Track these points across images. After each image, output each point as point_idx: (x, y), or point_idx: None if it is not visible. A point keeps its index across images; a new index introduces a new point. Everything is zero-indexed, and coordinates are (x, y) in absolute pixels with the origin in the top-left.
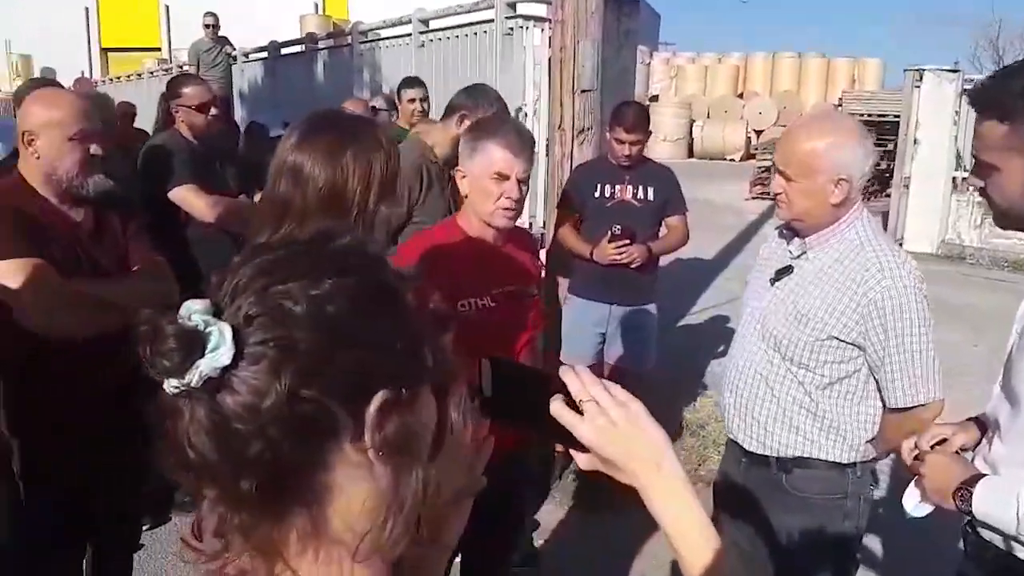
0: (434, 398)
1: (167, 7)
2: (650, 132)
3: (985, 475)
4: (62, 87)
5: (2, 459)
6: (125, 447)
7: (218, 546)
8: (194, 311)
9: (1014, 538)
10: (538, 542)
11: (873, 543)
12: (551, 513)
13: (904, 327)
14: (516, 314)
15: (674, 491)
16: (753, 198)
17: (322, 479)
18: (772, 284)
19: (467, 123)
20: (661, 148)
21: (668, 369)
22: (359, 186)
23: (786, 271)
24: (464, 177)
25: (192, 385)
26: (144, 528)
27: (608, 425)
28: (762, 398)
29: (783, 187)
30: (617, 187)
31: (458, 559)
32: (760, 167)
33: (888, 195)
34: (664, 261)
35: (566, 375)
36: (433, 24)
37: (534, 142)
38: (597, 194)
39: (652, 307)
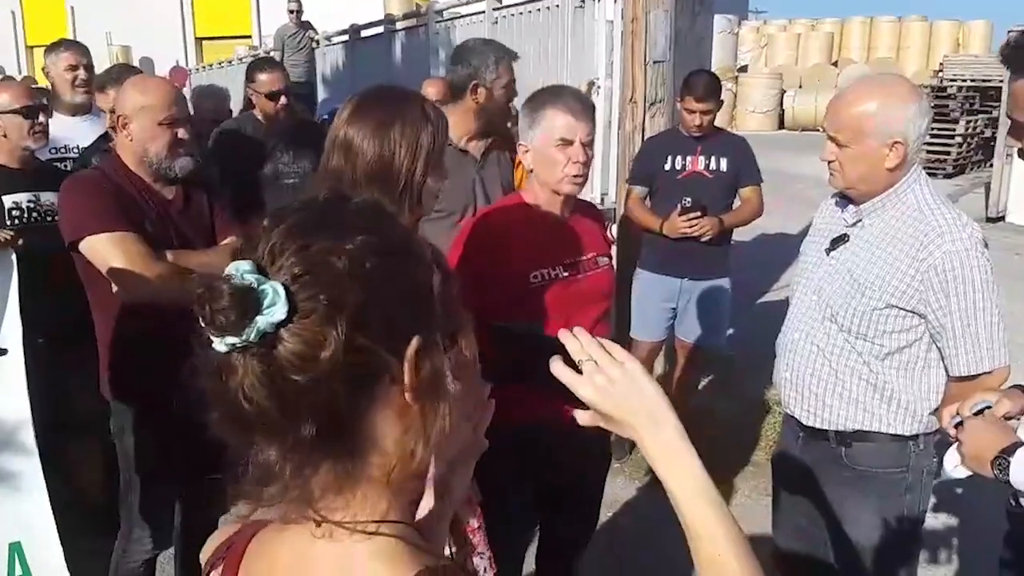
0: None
1: None
2: (722, 101)
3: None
4: (141, 72)
5: (100, 421)
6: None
7: (273, 492)
8: (244, 270)
9: None
10: (606, 515)
11: (936, 521)
12: (622, 487)
13: (967, 291)
14: (589, 284)
15: (672, 446)
16: None
17: (367, 420)
18: (828, 254)
19: (481, 90)
20: (750, 120)
21: (749, 345)
22: (406, 159)
23: (841, 240)
24: (527, 151)
25: (250, 340)
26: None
27: (607, 383)
28: (819, 370)
29: (835, 154)
30: (688, 158)
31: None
32: None
33: (992, 165)
34: (749, 235)
35: (564, 337)
36: (507, 0)
37: (593, 106)
38: (668, 166)
39: (726, 281)
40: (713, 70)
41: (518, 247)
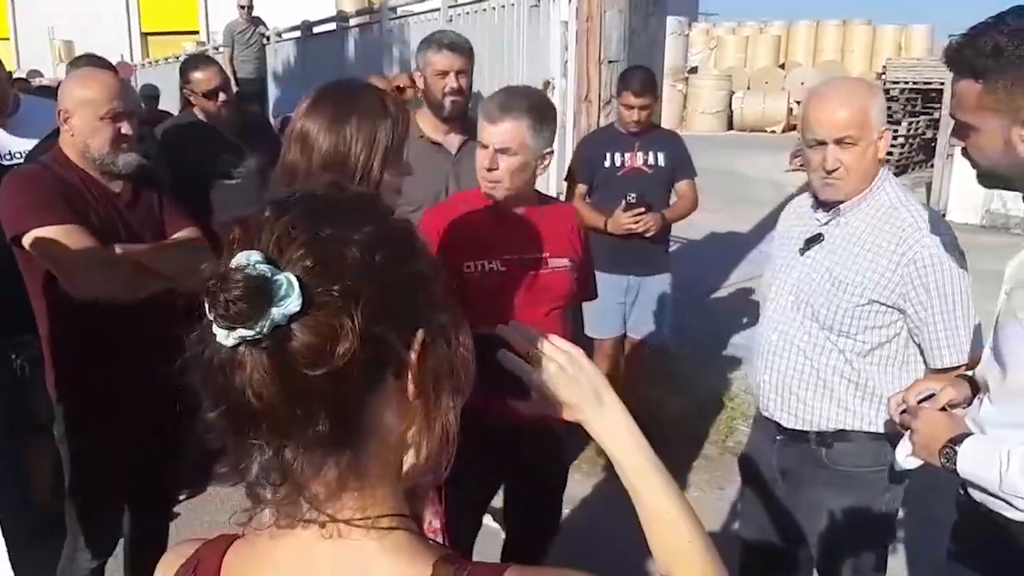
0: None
1: None
2: (658, 97)
3: (972, 434)
4: (110, 65)
5: (46, 423)
6: (164, 412)
7: (284, 492)
8: (256, 261)
9: (998, 497)
10: (564, 511)
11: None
12: (578, 484)
13: (945, 284)
14: (534, 283)
15: (615, 420)
16: (793, 170)
17: (375, 415)
18: (802, 254)
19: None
20: (700, 120)
21: (700, 341)
22: (362, 153)
23: (816, 239)
24: None
25: (263, 333)
26: (181, 498)
27: (557, 370)
28: (801, 371)
29: (841, 159)
30: (627, 154)
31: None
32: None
33: (933, 165)
34: (699, 234)
35: (505, 331)
36: None
37: (527, 112)
38: (607, 163)
39: (667, 277)
40: (664, 71)
41: (457, 237)
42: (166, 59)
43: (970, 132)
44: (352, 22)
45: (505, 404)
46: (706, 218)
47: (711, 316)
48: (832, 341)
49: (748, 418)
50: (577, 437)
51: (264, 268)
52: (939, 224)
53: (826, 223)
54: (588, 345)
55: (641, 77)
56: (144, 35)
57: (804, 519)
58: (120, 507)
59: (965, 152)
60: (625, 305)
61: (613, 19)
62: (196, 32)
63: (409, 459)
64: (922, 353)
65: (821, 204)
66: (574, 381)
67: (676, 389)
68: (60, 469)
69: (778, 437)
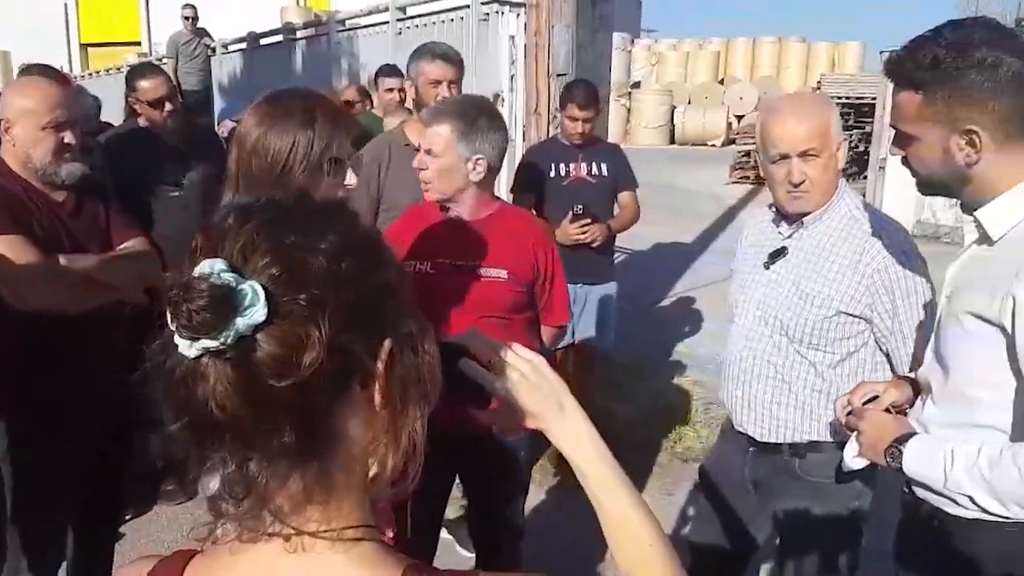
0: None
1: (147, 0)
2: (600, 109)
3: (916, 434)
4: (60, 74)
5: None
6: (112, 424)
7: (248, 506)
8: (220, 269)
9: (942, 495)
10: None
11: None
12: (533, 492)
13: (911, 292)
14: (462, 289)
15: (576, 427)
16: (733, 182)
17: (340, 426)
18: (767, 268)
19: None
20: (643, 135)
21: (645, 350)
22: (279, 157)
23: (780, 253)
24: None
25: (227, 344)
26: (127, 518)
27: (520, 378)
28: (773, 385)
29: (805, 172)
30: (572, 165)
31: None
32: (740, 151)
33: (866, 177)
34: (644, 245)
35: (468, 340)
36: (410, 11)
37: (456, 113)
38: (552, 173)
39: (613, 286)
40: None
41: (404, 239)
42: (107, 71)
43: (910, 142)
44: (299, 34)
45: (465, 413)
46: (650, 230)
47: (655, 325)
48: (802, 354)
49: (695, 424)
50: (532, 448)
51: (229, 277)
52: (899, 233)
53: (789, 236)
54: (550, 357)
55: (585, 90)
56: (84, 46)
57: (777, 529)
58: (64, 526)
59: (905, 161)
60: (573, 315)
61: (561, 34)
62: (138, 43)
63: (375, 469)
64: (889, 360)
65: (784, 217)
66: (536, 389)
67: (622, 397)
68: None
69: (751, 449)
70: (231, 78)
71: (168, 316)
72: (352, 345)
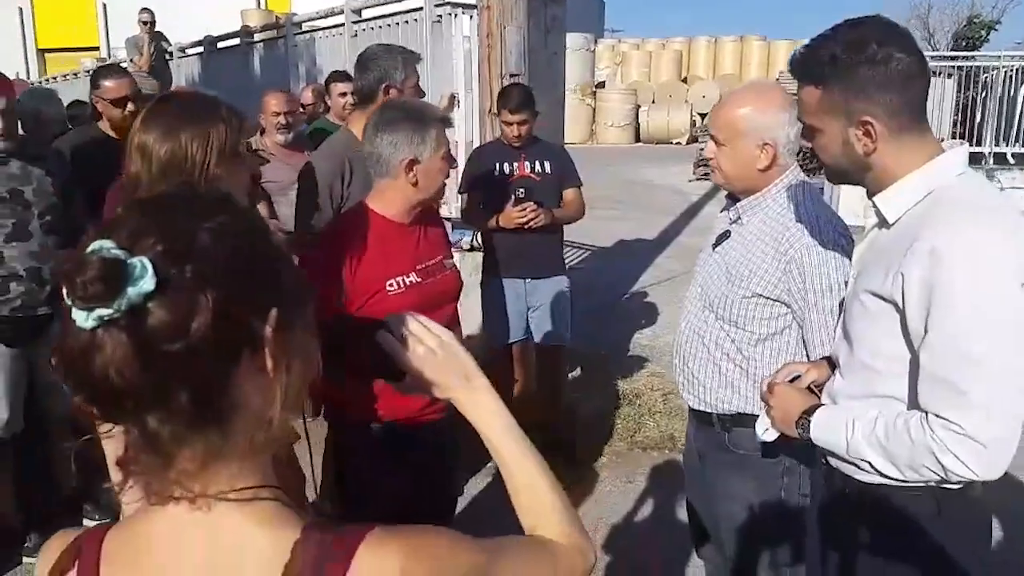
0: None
1: (104, 5)
2: (536, 112)
3: (823, 405)
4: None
5: None
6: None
7: (154, 464)
8: (109, 247)
9: (848, 461)
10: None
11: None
12: (475, 485)
13: (821, 280)
14: (440, 287)
15: (484, 400)
16: (696, 179)
17: (235, 390)
18: (713, 250)
19: (393, 91)
20: (609, 133)
21: (607, 342)
22: (198, 153)
23: (724, 236)
24: (415, 164)
25: (120, 311)
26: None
27: (427, 352)
28: (697, 355)
29: (714, 152)
30: (515, 164)
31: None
32: (703, 149)
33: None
34: (608, 241)
35: (390, 319)
36: (365, 14)
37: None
38: (497, 172)
39: (564, 279)
40: (572, 86)
41: (372, 257)
42: (64, 76)
43: (815, 134)
44: (257, 37)
45: (396, 402)
46: (614, 225)
47: (618, 318)
48: (725, 331)
49: (654, 414)
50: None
51: (118, 252)
52: (828, 224)
53: (733, 222)
54: (506, 354)
55: (517, 94)
56: (41, 51)
57: (716, 502)
58: None
59: (812, 152)
60: (526, 310)
61: (512, 35)
62: (96, 48)
63: (267, 432)
64: (806, 345)
65: (733, 203)
66: (444, 362)
67: (584, 388)
68: None
69: (694, 420)
70: (189, 82)
71: (64, 292)
72: (240, 313)
